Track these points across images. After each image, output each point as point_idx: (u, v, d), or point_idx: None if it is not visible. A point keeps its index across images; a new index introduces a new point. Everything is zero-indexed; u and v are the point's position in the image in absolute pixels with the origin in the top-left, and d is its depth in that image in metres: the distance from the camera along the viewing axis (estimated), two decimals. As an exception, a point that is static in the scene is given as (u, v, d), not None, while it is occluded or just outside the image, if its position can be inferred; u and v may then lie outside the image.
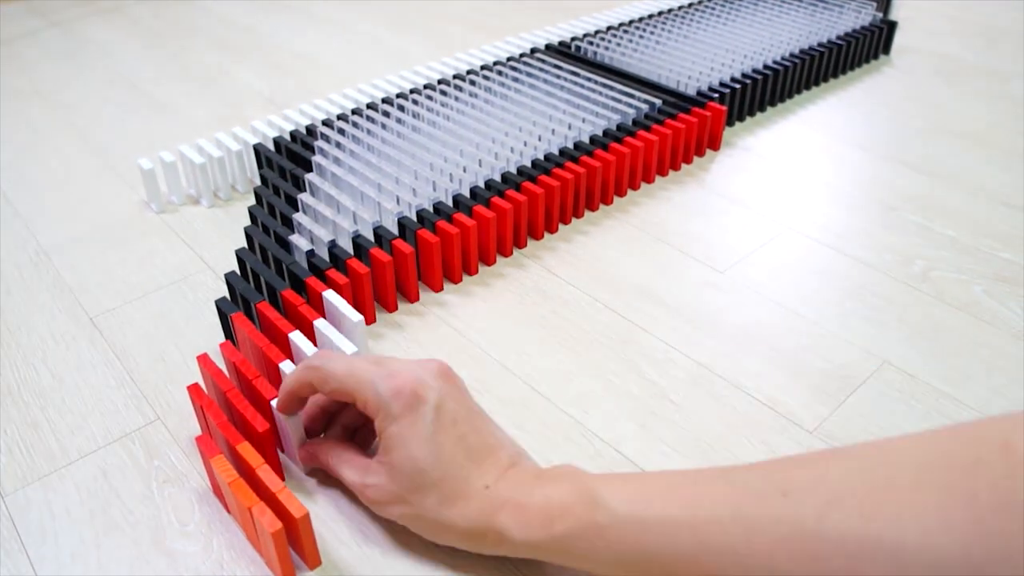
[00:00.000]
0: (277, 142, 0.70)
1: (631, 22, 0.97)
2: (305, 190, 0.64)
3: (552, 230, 0.66)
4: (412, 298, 0.58)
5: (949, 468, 0.28)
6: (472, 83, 0.80)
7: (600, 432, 0.47)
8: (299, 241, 0.57)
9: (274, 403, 0.43)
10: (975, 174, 0.74)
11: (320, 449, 0.43)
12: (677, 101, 0.76)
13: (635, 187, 0.72)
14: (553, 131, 0.70)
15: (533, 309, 0.58)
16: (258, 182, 0.73)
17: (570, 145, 0.70)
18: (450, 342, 0.55)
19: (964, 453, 0.28)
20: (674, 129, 0.72)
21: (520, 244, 0.64)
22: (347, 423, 0.45)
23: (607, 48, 0.88)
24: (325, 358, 0.40)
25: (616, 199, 0.70)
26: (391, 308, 0.57)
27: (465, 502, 0.37)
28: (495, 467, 0.38)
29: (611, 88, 0.78)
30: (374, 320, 0.56)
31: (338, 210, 0.61)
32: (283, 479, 0.43)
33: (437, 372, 0.39)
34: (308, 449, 0.44)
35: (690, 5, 1.03)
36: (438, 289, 0.59)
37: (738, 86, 0.80)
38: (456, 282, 0.60)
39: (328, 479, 0.44)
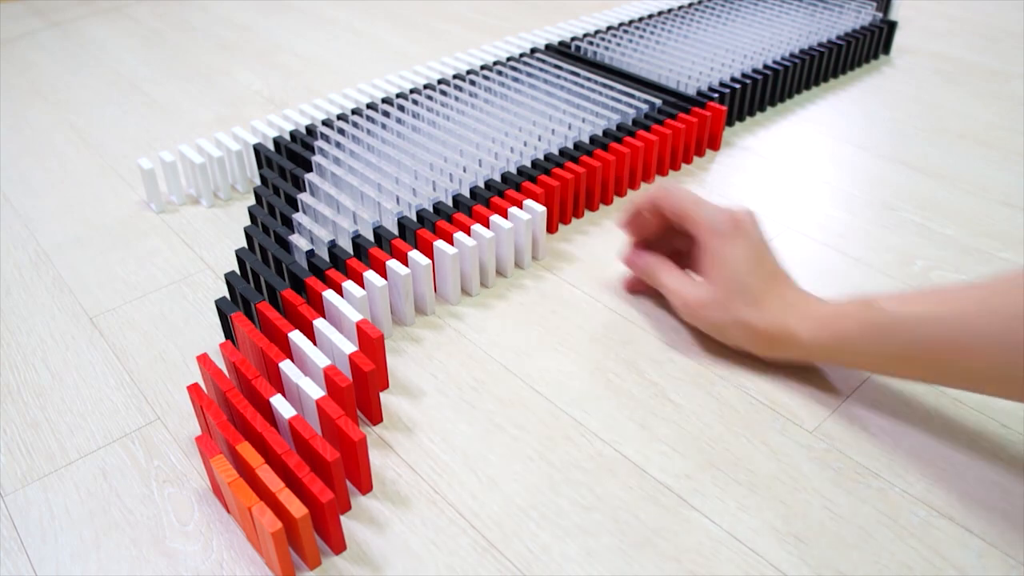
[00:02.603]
0: (277, 142, 0.70)
1: (631, 22, 0.97)
2: (305, 190, 0.64)
3: (552, 230, 0.66)
4: (412, 298, 0.58)
5: None
6: (472, 83, 0.80)
7: (600, 432, 0.47)
8: (299, 241, 0.57)
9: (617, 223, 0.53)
10: (975, 174, 0.74)
11: (645, 258, 0.55)
12: (677, 101, 0.76)
13: (635, 187, 0.72)
14: (553, 131, 0.70)
15: (533, 309, 0.58)
16: (258, 182, 0.73)
17: (570, 145, 0.70)
18: (450, 342, 0.55)
19: None
20: (674, 129, 0.72)
21: (520, 244, 0.64)
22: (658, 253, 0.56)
23: (607, 48, 0.88)
24: (668, 186, 0.53)
25: (616, 199, 0.70)
26: (391, 308, 0.57)
27: (767, 309, 0.48)
28: (786, 286, 0.50)
29: (611, 88, 0.78)
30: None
31: (338, 210, 0.61)
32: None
33: (748, 212, 0.50)
34: (636, 254, 0.56)
35: (690, 5, 1.03)
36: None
37: (738, 86, 0.80)
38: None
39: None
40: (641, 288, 0.58)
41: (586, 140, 0.70)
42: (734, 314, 0.49)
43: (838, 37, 0.93)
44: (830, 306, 0.48)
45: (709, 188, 0.72)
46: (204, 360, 0.46)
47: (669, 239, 0.56)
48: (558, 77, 0.80)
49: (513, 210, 0.59)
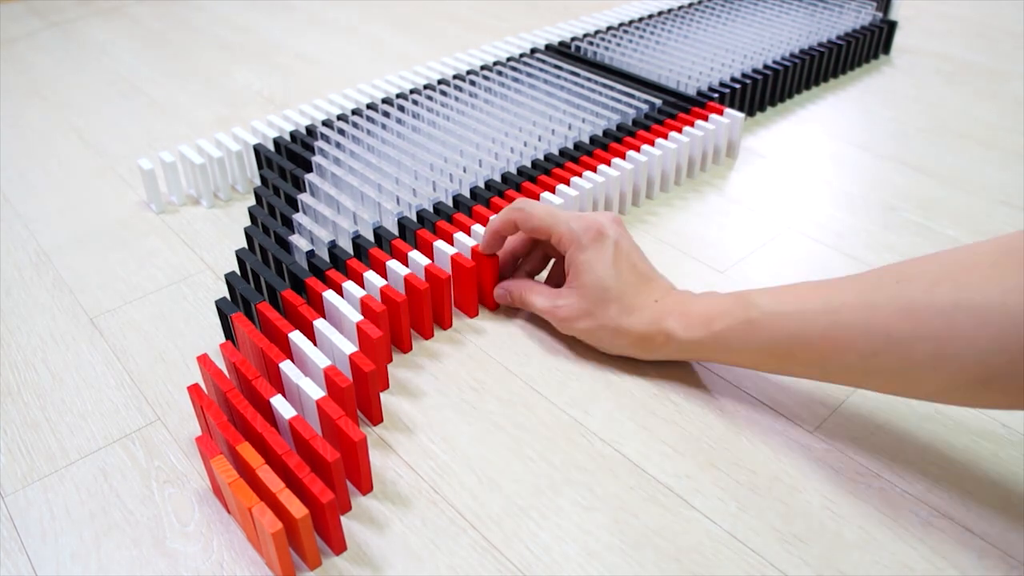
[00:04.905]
0: (277, 142, 0.70)
1: (631, 22, 0.97)
2: (305, 190, 0.64)
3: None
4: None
5: (1018, 251, 0.37)
6: (472, 83, 0.80)
7: (600, 432, 0.47)
8: (299, 241, 0.57)
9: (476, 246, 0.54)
10: (975, 174, 0.74)
11: (513, 286, 0.54)
12: (677, 101, 0.76)
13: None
14: (553, 131, 0.70)
15: (533, 309, 0.58)
16: (258, 182, 0.73)
17: (570, 145, 0.70)
18: (449, 343, 0.55)
19: None
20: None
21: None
22: (529, 269, 0.56)
23: (607, 48, 0.88)
24: (526, 203, 0.51)
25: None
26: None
27: (640, 312, 0.48)
28: (659, 288, 0.50)
29: (611, 88, 0.78)
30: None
31: (338, 210, 0.61)
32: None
33: (612, 219, 0.50)
34: (503, 287, 0.55)
35: (690, 5, 1.03)
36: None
37: (738, 86, 0.80)
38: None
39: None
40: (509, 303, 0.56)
41: (586, 140, 0.70)
42: (605, 321, 0.49)
43: (838, 37, 0.93)
44: (706, 302, 0.47)
45: (709, 188, 0.72)
46: (204, 360, 0.46)
47: (539, 246, 0.56)
48: (558, 77, 0.80)
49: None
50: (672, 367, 0.52)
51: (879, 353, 0.39)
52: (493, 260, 0.55)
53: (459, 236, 0.57)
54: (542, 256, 0.56)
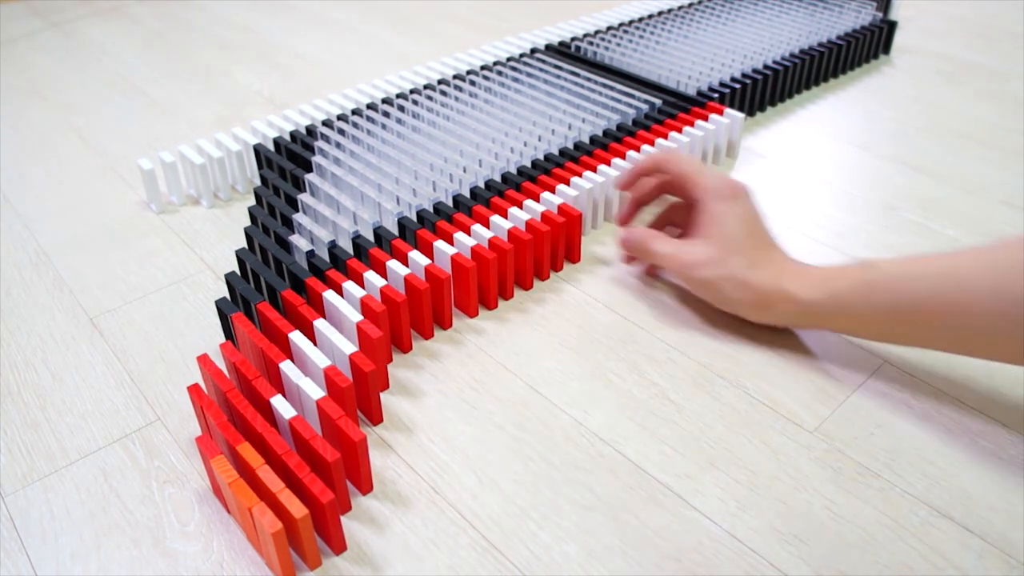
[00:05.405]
0: (277, 142, 0.70)
1: (631, 22, 0.97)
2: (305, 190, 0.64)
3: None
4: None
5: None
6: (472, 83, 0.80)
7: (600, 432, 0.47)
8: (299, 241, 0.57)
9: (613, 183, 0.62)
10: (975, 174, 0.74)
11: (637, 232, 0.56)
12: (677, 101, 0.76)
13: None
14: (553, 131, 0.70)
15: (533, 309, 0.58)
16: (258, 182, 0.73)
17: (570, 145, 0.70)
18: (449, 343, 0.55)
19: None
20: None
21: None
22: (652, 224, 0.60)
23: (607, 48, 0.88)
24: (673, 150, 0.58)
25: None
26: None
27: (763, 269, 0.50)
28: (780, 252, 0.52)
29: (611, 88, 0.78)
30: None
31: (338, 210, 0.61)
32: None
33: (743, 183, 0.53)
34: (627, 233, 0.57)
35: (690, 5, 1.03)
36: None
37: (738, 86, 0.80)
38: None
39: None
40: (636, 259, 0.60)
41: (586, 140, 0.70)
42: (731, 270, 0.50)
43: (838, 37, 0.93)
44: (824, 268, 0.50)
45: (709, 188, 0.72)
46: (204, 360, 0.46)
47: (665, 216, 0.60)
48: (558, 77, 0.80)
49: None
50: (672, 367, 0.52)
51: (1007, 313, 0.40)
52: (500, 254, 0.55)
53: (459, 236, 0.57)
54: (664, 223, 0.60)
